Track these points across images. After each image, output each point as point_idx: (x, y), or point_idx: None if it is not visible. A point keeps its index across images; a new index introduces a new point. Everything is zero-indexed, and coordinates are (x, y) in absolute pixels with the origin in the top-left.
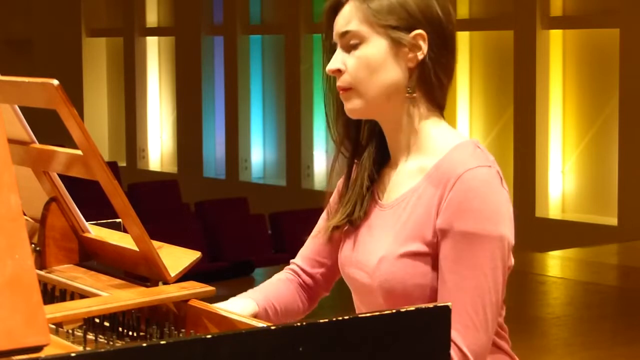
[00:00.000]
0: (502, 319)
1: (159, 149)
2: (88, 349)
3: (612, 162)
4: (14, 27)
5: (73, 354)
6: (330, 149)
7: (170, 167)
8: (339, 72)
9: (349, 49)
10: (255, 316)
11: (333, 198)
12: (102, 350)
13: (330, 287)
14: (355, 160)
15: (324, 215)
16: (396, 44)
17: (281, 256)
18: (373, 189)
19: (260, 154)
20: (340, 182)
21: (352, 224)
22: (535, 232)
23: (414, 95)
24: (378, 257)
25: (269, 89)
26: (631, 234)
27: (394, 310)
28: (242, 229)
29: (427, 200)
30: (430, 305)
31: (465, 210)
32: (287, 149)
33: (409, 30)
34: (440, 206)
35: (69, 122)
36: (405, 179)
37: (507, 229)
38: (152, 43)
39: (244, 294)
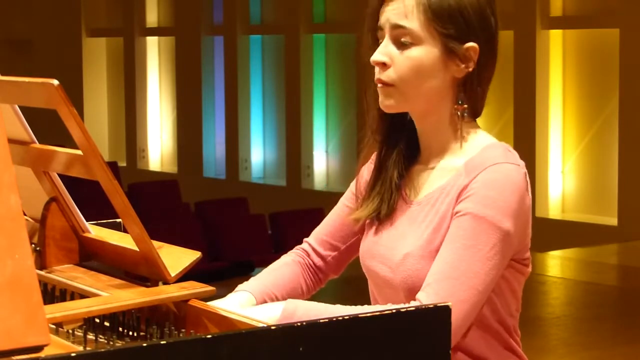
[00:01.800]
0: (516, 323)
1: (159, 149)
2: (88, 349)
3: (612, 162)
4: (14, 27)
5: (73, 354)
6: (330, 149)
7: (170, 167)
8: (383, 65)
9: (399, 44)
10: None
11: (358, 182)
12: (102, 350)
13: (341, 270)
14: (384, 154)
15: (347, 194)
16: (448, 53)
17: (281, 256)
18: (401, 185)
19: (260, 154)
20: (364, 168)
21: (377, 218)
22: (535, 232)
23: (465, 106)
24: (403, 253)
25: (269, 89)
26: (631, 234)
27: (394, 310)
28: (242, 229)
29: (452, 196)
30: (431, 305)
31: (480, 196)
32: (287, 149)
33: (463, 40)
34: (460, 195)
35: (69, 122)
36: (435, 177)
37: (516, 229)
38: (152, 43)
39: (243, 284)
